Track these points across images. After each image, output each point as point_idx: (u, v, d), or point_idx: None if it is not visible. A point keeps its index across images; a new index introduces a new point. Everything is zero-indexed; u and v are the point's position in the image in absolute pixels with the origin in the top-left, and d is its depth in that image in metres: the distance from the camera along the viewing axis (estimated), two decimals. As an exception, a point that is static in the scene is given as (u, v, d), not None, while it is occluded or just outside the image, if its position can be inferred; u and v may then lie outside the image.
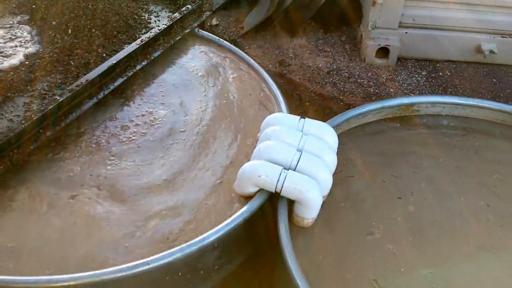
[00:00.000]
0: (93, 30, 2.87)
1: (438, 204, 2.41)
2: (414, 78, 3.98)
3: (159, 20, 3.16)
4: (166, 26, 3.03)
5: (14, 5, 3.08)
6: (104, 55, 2.78)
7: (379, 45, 4.01)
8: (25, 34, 2.85)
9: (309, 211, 2.20)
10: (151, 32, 2.96)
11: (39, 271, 1.91)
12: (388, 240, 2.22)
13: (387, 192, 2.46)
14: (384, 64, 4.07)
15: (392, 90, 3.84)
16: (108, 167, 2.36)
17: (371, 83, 3.88)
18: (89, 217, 2.14)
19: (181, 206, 2.24)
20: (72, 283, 1.84)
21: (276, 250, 2.13)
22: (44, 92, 2.50)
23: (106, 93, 2.65)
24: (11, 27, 2.91)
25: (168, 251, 1.96)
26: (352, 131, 2.78)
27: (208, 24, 4.30)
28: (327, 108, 3.77)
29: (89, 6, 2.91)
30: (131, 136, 2.53)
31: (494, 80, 4.04)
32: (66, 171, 2.32)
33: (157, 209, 2.21)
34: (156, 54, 2.96)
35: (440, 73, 4.05)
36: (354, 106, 2.93)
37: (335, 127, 2.56)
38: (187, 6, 3.25)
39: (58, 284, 1.83)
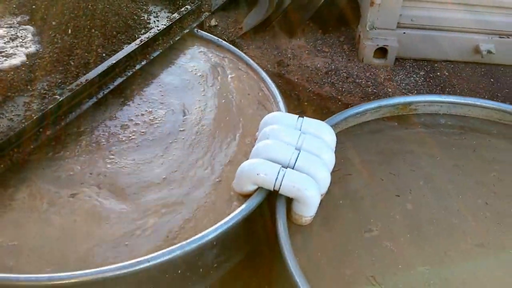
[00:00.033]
0: (93, 30, 2.88)
1: (436, 202, 2.43)
2: (412, 78, 3.99)
3: (158, 21, 3.17)
4: (165, 27, 3.05)
5: (14, 6, 3.09)
6: (104, 55, 2.79)
7: (377, 45, 4.02)
8: (25, 34, 2.87)
9: (307, 209, 2.22)
10: (150, 32, 2.97)
11: (40, 269, 1.93)
12: (386, 237, 2.24)
13: (385, 190, 2.47)
14: (382, 64, 4.08)
15: (390, 90, 3.85)
16: (108, 166, 2.37)
17: (369, 83, 3.90)
18: (89, 215, 2.15)
19: (181, 204, 2.25)
20: (73, 280, 1.85)
21: (275, 248, 2.15)
22: (44, 91, 2.51)
23: (105, 92, 2.66)
24: (11, 27, 2.92)
25: (168, 249, 1.97)
26: (350, 130, 2.79)
27: (207, 24, 4.31)
28: (325, 108, 3.78)
29: (89, 6, 2.92)
30: (130, 135, 2.54)
31: (492, 80, 4.06)
32: (66, 170, 2.33)
33: (157, 207, 2.22)
34: (155, 54, 2.97)
35: (438, 73, 4.06)
36: (352, 106, 2.94)
37: (333, 126, 2.57)
38: (186, 6, 3.26)
39: (59, 282, 1.84)
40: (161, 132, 2.59)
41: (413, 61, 4.16)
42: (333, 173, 2.37)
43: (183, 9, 3.23)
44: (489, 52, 4.03)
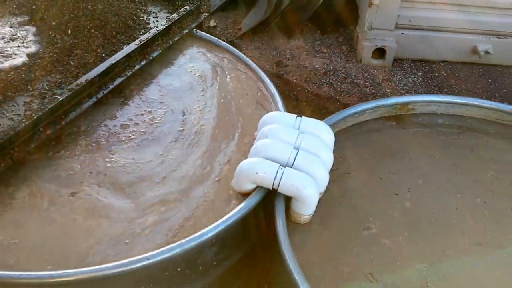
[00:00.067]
0: (93, 30, 2.89)
1: (434, 201, 2.44)
2: (410, 79, 4.00)
3: (157, 21, 3.18)
4: (164, 27, 3.06)
5: (14, 6, 3.11)
6: (104, 55, 2.81)
7: (376, 46, 4.03)
8: (25, 34, 2.88)
9: (306, 208, 2.23)
10: (149, 33, 2.99)
11: (41, 267, 1.94)
12: (384, 235, 2.25)
13: (384, 189, 2.49)
14: (381, 65, 4.10)
15: (388, 90, 3.86)
16: (108, 165, 2.39)
17: (367, 83, 3.91)
18: (89, 213, 2.17)
19: (180, 203, 2.27)
20: (73, 278, 1.86)
21: (274, 246, 2.16)
22: (44, 91, 2.53)
23: (105, 92, 2.67)
24: (11, 27, 2.94)
25: (168, 247, 1.98)
26: (348, 130, 2.80)
27: (206, 25, 4.32)
28: (323, 108, 3.79)
29: (89, 7, 2.93)
30: (130, 135, 2.56)
31: (490, 80, 4.07)
32: (67, 169, 2.34)
33: (157, 206, 2.24)
34: (154, 55, 2.99)
35: (436, 74, 4.08)
36: (351, 106, 2.95)
37: (332, 126, 2.59)
38: (185, 7, 3.27)
39: (60, 279, 1.86)
40: (161, 131, 2.60)
41: (411, 61, 4.18)
42: (331, 172, 2.39)
43: (182, 9, 3.25)
44: (487, 52, 4.04)
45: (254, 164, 2.24)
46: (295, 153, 2.28)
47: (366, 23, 3.98)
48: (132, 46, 2.87)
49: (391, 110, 2.90)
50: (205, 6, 3.52)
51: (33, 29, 2.93)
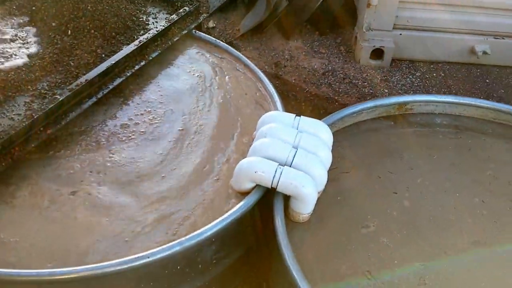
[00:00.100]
0: (92, 31, 2.91)
1: (433, 200, 2.46)
2: (408, 79, 4.02)
3: (157, 22, 3.19)
4: (164, 28, 3.07)
5: (14, 7, 3.12)
6: (103, 55, 2.82)
7: (374, 46, 4.05)
8: (25, 35, 2.90)
9: (305, 206, 2.24)
10: (149, 34, 3.00)
11: (41, 265, 1.96)
12: (382, 233, 2.27)
13: (383, 188, 2.50)
14: (379, 65, 4.12)
15: (386, 90, 3.88)
16: (108, 164, 2.40)
17: (365, 83, 3.93)
18: (89, 212, 2.18)
19: (180, 202, 2.28)
20: (73, 276, 1.88)
21: (273, 244, 2.18)
22: (45, 91, 2.54)
23: (105, 92, 2.68)
24: (11, 28, 2.95)
25: (167, 245, 2.00)
26: (347, 129, 2.82)
27: (205, 26, 4.34)
28: (322, 108, 3.81)
29: (88, 7, 2.94)
30: (130, 134, 2.57)
31: (488, 80, 4.09)
32: (67, 168, 2.36)
33: (156, 205, 2.25)
34: (154, 55, 2.99)
35: (434, 74, 4.10)
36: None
37: (330, 125, 2.61)
38: (185, 8, 3.29)
39: (60, 277, 1.87)
40: (161, 131, 2.62)
41: (409, 62, 4.20)
42: (330, 171, 2.40)
43: (181, 10, 3.26)
44: (484, 53, 4.06)
45: (253, 163, 2.25)
46: (294, 152, 2.29)
47: (365, 24, 4.00)
48: (132, 46, 2.88)
49: (389, 110, 2.92)
50: (204, 7, 3.53)
51: (33, 29, 2.95)
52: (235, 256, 2.37)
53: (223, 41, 3.33)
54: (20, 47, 2.80)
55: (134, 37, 3.01)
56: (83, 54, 2.79)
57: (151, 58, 2.98)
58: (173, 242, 2.02)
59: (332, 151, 2.45)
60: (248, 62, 3.11)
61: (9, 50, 2.76)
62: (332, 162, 2.43)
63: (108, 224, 2.14)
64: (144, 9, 3.30)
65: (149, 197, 2.28)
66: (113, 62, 2.74)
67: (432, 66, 4.18)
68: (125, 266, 1.92)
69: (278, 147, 2.31)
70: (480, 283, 2.11)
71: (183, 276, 2.17)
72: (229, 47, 3.25)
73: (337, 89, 3.88)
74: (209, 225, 2.10)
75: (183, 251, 2.03)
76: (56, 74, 2.66)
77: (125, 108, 2.72)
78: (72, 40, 2.84)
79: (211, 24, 4.47)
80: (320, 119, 2.59)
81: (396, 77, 4.03)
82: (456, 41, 4.12)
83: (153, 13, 3.29)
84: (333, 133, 2.52)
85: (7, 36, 2.88)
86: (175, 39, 3.16)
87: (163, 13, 3.32)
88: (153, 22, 3.20)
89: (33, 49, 2.80)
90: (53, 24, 2.92)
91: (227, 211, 2.19)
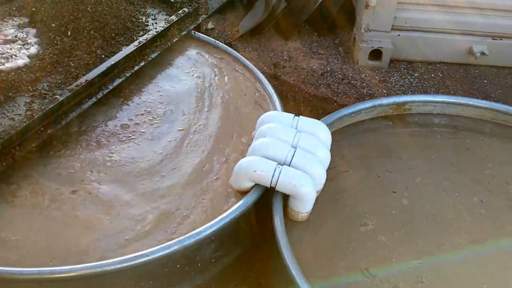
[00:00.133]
0: (92, 32, 2.92)
1: (432, 199, 2.47)
2: (406, 80, 4.03)
3: (156, 23, 3.21)
4: (163, 29, 3.09)
5: (14, 8, 3.13)
6: (103, 56, 2.84)
7: (372, 47, 4.06)
8: (25, 36, 2.91)
9: (304, 205, 2.26)
10: (148, 34, 3.01)
11: (42, 263, 1.97)
12: (381, 231, 2.28)
13: (382, 187, 2.52)
14: (377, 66, 4.12)
15: (384, 91, 3.89)
16: (108, 164, 2.42)
17: (364, 84, 3.94)
18: (90, 211, 2.20)
19: (179, 201, 2.30)
20: (74, 274, 1.89)
21: (272, 243, 2.19)
22: (45, 92, 2.56)
23: (105, 93, 2.70)
24: (12, 29, 2.97)
25: (167, 243, 2.02)
26: (345, 129, 2.84)
27: (204, 27, 4.35)
28: (321, 108, 3.82)
29: (88, 9, 2.96)
30: (130, 135, 2.59)
31: (485, 81, 4.10)
32: (67, 168, 2.38)
33: (156, 203, 2.27)
34: (153, 56, 3.01)
35: (432, 75, 4.10)
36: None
37: (329, 125, 2.62)
38: (184, 9, 3.30)
39: (61, 275, 1.89)
40: (160, 131, 2.63)
41: (407, 63, 4.20)
42: (329, 170, 2.42)
43: (180, 11, 3.27)
44: (482, 53, 4.07)
45: (252, 163, 2.27)
46: (293, 152, 2.31)
47: (363, 24, 4.01)
48: (131, 47, 2.90)
49: (388, 110, 2.94)
50: (203, 9, 3.55)
51: (34, 31, 2.96)
52: (234, 255, 2.39)
53: (222, 42, 3.35)
54: (20, 48, 2.82)
55: (133, 38, 3.03)
56: (83, 54, 2.80)
57: (150, 58, 3.00)
58: (173, 241, 2.03)
59: (331, 150, 2.46)
60: (247, 62, 3.12)
61: (9, 51, 2.78)
62: (331, 162, 2.45)
63: (108, 223, 2.16)
64: (143, 10, 3.31)
65: (149, 196, 2.30)
66: (113, 62, 2.76)
67: (430, 66, 4.18)
68: (125, 265, 1.94)
69: (277, 146, 2.32)
70: (478, 281, 2.13)
71: (182, 274, 2.19)
72: (228, 48, 3.27)
73: (336, 89, 3.89)
74: (208, 224, 2.12)
75: (183, 250, 2.04)
76: (56, 74, 2.67)
77: (125, 108, 2.74)
78: (72, 41, 2.86)
79: (210, 25, 4.48)
80: (319, 119, 2.61)
81: (395, 78, 4.04)
82: (454, 42, 4.13)
83: (152, 14, 3.31)
84: (332, 133, 2.54)
85: (8, 37, 2.89)
86: (174, 40, 3.18)
87: (162, 14, 3.34)
88: (152, 23, 3.21)
89: (33, 50, 2.81)
90: (53, 25, 2.94)
91: (226, 210, 2.21)
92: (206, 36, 3.36)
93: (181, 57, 3.18)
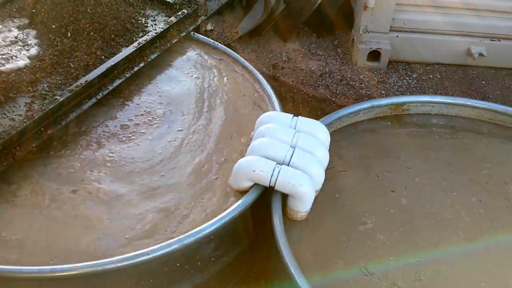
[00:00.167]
0: (92, 33, 2.93)
1: (431, 199, 2.48)
2: (405, 81, 4.05)
3: (155, 24, 3.22)
4: (162, 30, 3.10)
5: (14, 9, 3.14)
6: (103, 57, 2.84)
7: (371, 48, 4.08)
8: (25, 37, 2.92)
9: (303, 205, 2.27)
10: (148, 36, 3.02)
11: (42, 262, 1.98)
12: (379, 230, 2.30)
13: (380, 186, 2.53)
14: (376, 67, 4.14)
15: (383, 92, 3.91)
16: (108, 164, 2.43)
17: (362, 85, 3.96)
18: (90, 210, 2.21)
19: (179, 200, 2.31)
20: (75, 272, 1.91)
21: (271, 242, 2.20)
22: (45, 92, 2.57)
23: (105, 93, 2.71)
24: (12, 30, 2.98)
25: (167, 242, 2.03)
26: (344, 130, 2.84)
27: (203, 29, 4.37)
28: (319, 109, 3.83)
29: (88, 10, 2.96)
30: (130, 135, 2.60)
31: (484, 82, 4.12)
32: (67, 168, 2.39)
33: (156, 203, 2.28)
34: (153, 57, 3.02)
35: (431, 76, 4.13)
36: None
37: (328, 126, 2.63)
38: (183, 10, 3.31)
39: (61, 274, 1.90)
40: (160, 132, 2.65)
41: (406, 64, 4.22)
42: (328, 170, 2.43)
43: (179, 13, 3.28)
44: (480, 54, 4.09)
45: (251, 162, 2.28)
46: (292, 152, 2.32)
47: (361, 26, 4.03)
48: (131, 48, 2.91)
49: (386, 110, 2.95)
50: (202, 10, 3.55)
51: (34, 32, 2.97)
52: (233, 254, 2.40)
53: (221, 44, 3.36)
54: (20, 49, 2.83)
55: (133, 39, 3.04)
56: (82, 56, 2.81)
57: (150, 59, 3.00)
58: (173, 240, 2.04)
59: (330, 150, 2.47)
60: (246, 63, 3.13)
61: (9, 52, 2.79)
62: (330, 162, 2.46)
63: (108, 222, 2.17)
64: (143, 11, 3.32)
65: (149, 196, 2.31)
66: (113, 63, 2.77)
67: (428, 67, 4.21)
68: (126, 263, 1.95)
69: (276, 146, 2.33)
70: (476, 279, 2.14)
71: (182, 273, 2.20)
72: (227, 49, 3.28)
73: (334, 90, 3.91)
74: (208, 223, 2.13)
75: (183, 249, 2.06)
76: (56, 75, 2.68)
77: (125, 109, 2.75)
78: (72, 42, 2.87)
79: (209, 26, 4.49)
80: (317, 120, 2.61)
81: (393, 79, 4.06)
82: (452, 43, 4.15)
83: (151, 16, 3.31)
84: (330, 133, 2.55)
85: (8, 38, 2.90)
86: (173, 41, 3.18)
87: (161, 15, 3.35)
88: (152, 25, 3.22)
89: (34, 51, 2.82)
90: (53, 26, 2.94)
91: (225, 210, 2.22)
92: (205, 37, 3.37)
93: (180, 58, 3.19)
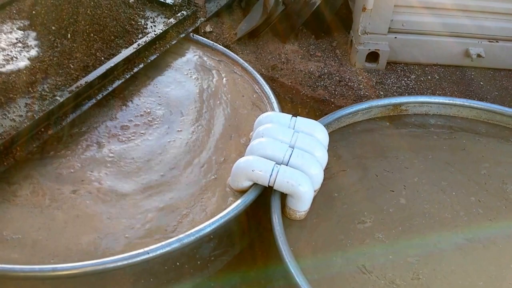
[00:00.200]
0: (92, 35, 2.94)
1: (429, 198, 2.50)
2: (403, 82, 4.06)
3: (155, 26, 3.23)
4: (162, 31, 3.11)
5: (15, 11, 3.16)
6: (103, 58, 2.85)
7: (369, 49, 4.10)
8: (26, 38, 2.94)
9: (301, 204, 2.28)
10: (147, 37, 3.04)
11: (44, 261, 2.00)
12: (378, 228, 2.31)
13: (380, 185, 2.55)
14: (374, 68, 4.16)
15: (381, 93, 3.93)
16: (108, 165, 2.44)
17: (361, 86, 3.97)
18: (90, 210, 2.22)
19: (178, 200, 2.32)
20: (75, 271, 1.92)
21: (270, 241, 2.21)
22: (45, 93, 2.57)
23: (104, 94, 2.72)
24: (12, 32, 2.99)
25: (167, 241, 2.04)
26: (343, 130, 2.86)
27: (202, 31, 4.38)
28: (318, 110, 3.85)
29: (88, 12, 2.97)
30: (130, 135, 2.61)
31: (482, 83, 4.14)
32: (68, 168, 2.40)
33: (155, 202, 2.30)
34: (152, 58, 3.03)
35: (429, 77, 4.14)
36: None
37: (326, 126, 2.65)
38: (182, 12, 3.33)
39: (62, 273, 1.91)
40: (160, 132, 2.66)
41: (404, 65, 4.24)
42: (327, 169, 2.45)
43: (179, 14, 3.30)
44: (478, 55, 4.11)
45: (250, 162, 2.29)
46: (290, 151, 2.33)
47: (360, 27, 4.04)
48: (131, 49, 2.92)
49: (384, 111, 2.97)
50: (201, 12, 3.56)
51: (34, 33, 2.98)
52: (233, 253, 2.41)
53: (220, 45, 3.37)
54: (21, 50, 2.84)
55: (132, 40, 3.05)
56: (82, 57, 2.82)
57: (149, 61, 3.02)
58: (172, 239, 2.05)
59: (329, 150, 2.49)
60: (245, 64, 3.15)
61: (10, 53, 2.80)
62: (328, 162, 2.47)
63: (108, 222, 2.18)
64: (142, 13, 3.33)
65: (148, 196, 2.32)
66: (112, 65, 2.78)
67: (426, 69, 4.22)
68: (126, 262, 1.96)
69: (275, 146, 2.35)
70: (473, 278, 2.15)
71: (182, 272, 2.20)
72: (226, 50, 3.29)
73: (333, 91, 3.92)
74: (207, 222, 2.14)
75: (182, 248, 2.07)
76: (56, 76, 2.69)
77: (125, 110, 2.76)
78: (72, 43, 2.88)
79: (208, 28, 4.51)
80: (316, 120, 2.62)
81: (391, 80, 4.07)
82: (450, 44, 4.17)
83: (151, 17, 3.33)
84: (329, 133, 2.57)
85: (8, 40, 2.92)
86: (173, 43, 3.20)
87: (161, 17, 3.36)
88: (151, 26, 3.23)
89: (34, 52, 2.84)
90: (53, 28, 2.96)
91: (225, 209, 2.23)
92: (204, 38, 3.38)
93: (179, 59, 3.21)
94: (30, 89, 2.60)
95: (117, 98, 2.82)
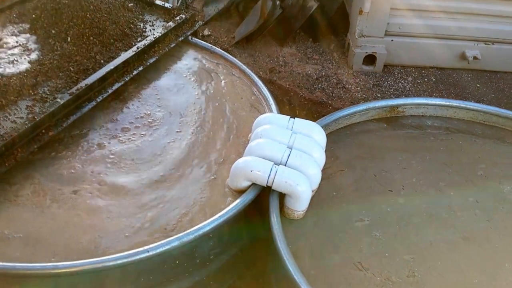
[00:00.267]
0: (91, 38, 2.97)
1: (427, 198, 2.52)
2: (400, 84, 4.09)
3: (154, 29, 3.26)
4: (160, 34, 3.14)
5: (15, 15, 3.19)
6: (102, 61, 2.88)
7: (366, 52, 4.12)
8: (26, 42, 2.96)
9: (299, 204, 2.31)
10: (146, 40, 3.07)
11: (45, 259, 2.02)
12: (375, 227, 2.33)
13: (378, 185, 2.57)
14: (371, 71, 4.19)
15: (379, 95, 3.95)
16: (109, 165, 2.47)
17: (358, 88, 3.99)
18: (90, 210, 2.25)
19: (178, 199, 2.35)
20: (76, 269, 1.94)
21: (269, 240, 2.24)
22: (46, 95, 2.60)
23: (104, 96, 2.75)
24: (13, 35, 3.02)
25: (166, 240, 2.06)
26: (340, 131, 2.89)
27: (200, 34, 4.40)
28: (316, 112, 3.87)
29: (87, 15, 3.00)
30: (130, 137, 2.64)
31: (478, 85, 4.16)
32: (68, 168, 2.43)
33: (155, 202, 2.32)
34: (151, 61, 3.06)
35: (426, 79, 4.16)
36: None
37: (324, 127, 2.67)
38: (181, 16, 3.35)
39: (63, 270, 1.93)
40: (159, 133, 2.69)
41: (401, 67, 4.26)
42: (325, 170, 2.48)
43: (177, 18, 3.33)
44: (475, 58, 4.13)
45: (249, 162, 2.32)
46: (289, 152, 2.35)
47: (357, 30, 4.07)
48: (130, 52, 2.95)
49: (381, 112, 2.99)
50: (200, 15, 3.58)
51: (34, 37, 3.01)
52: (232, 252, 2.44)
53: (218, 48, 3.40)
54: (21, 53, 2.87)
55: (132, 43, 3.08)
56: (82, 60, 2.85)
57: (149, 63, 3.05)
58: (172, 238, 2.08)
59: (327, 151, 2.51)
60: (244, 67, 3.17)
61: (10, 56, 2.83)
62: (327, 162, 2.50)
63: (108, 221, 2.21)
64: (141, 17, 3.36)
65: (148, 195, 2.35)
66: (112, 67, 2.81)
67: (423, 71, 4.25)
68: (125, 260, 1.98)
69: (273, 147, 2.37)
70: (469, 277, 2.17)
71: (181, 270, 2.23)
72: (225, 53, 3.31)
73: (331, 93, 3.94)
74: (207, 221, 2.16)
75: (181, 246, 2.09)
76: (56, 79, 2.72)
77: (125, 112, 2.79)
78: (72, 46, 2.91)
79: (206, 32, 4.53)
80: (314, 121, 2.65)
81: (389, 82, 4.09)
82: (447, 47, 4.19)
83: (150, 21, 3.36)
84: (327, 135, 2.59)
85: (9, 43, 2.94)
86: (172, 46, 3.23)
87: (160, 20, 3.39)
88: (150, 29, 3.26)
89: (34, 55, 2.86)
90: (53, 31, 2.99)
91: (223, 209, 2.25)
92: (203, 41, 3.41)
93: (178, 62, 3.23)
94: (31, 91, 2.62)
95: (117, 100, 2.85)
